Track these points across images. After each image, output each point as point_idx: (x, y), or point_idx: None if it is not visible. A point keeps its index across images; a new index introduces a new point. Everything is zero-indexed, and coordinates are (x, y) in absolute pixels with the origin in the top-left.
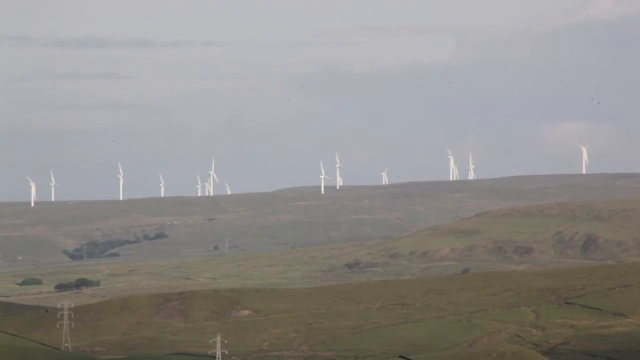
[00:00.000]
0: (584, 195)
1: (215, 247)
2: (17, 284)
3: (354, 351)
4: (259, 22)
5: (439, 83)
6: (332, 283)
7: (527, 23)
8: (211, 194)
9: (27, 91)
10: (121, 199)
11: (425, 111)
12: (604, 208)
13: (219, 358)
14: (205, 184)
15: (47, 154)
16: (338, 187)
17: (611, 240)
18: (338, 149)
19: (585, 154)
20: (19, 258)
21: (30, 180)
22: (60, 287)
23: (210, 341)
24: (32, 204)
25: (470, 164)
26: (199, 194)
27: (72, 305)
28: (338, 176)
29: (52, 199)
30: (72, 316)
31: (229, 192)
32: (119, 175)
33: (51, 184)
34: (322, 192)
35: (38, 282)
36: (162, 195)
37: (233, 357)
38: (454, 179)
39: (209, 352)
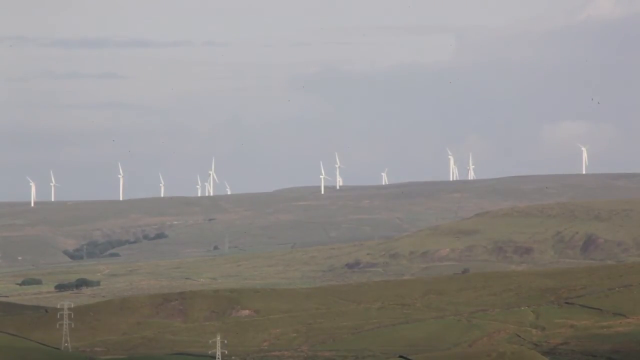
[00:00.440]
0: (584, 195)
1: (215, 247)
2: (17, 284)
3: (354, 351)
4: (259, 22)
5: (439, 83)
6: (332, 283)
7: (527, 23)
8: (211, 194)
9: (27, 91)
10: (121, 199)
11: (425, 111)
12: (604, 208)
13: (219, 358)
14: (205, 184)
15: (47, 154)
16: (338, 187)
17: (611, 240)
18: (338, 149)
19: (585, 154)
20: (19, 258)
21: (30, 180)
22: (60, 287)
23: (210, 341)
24: (32, 204)
25: (470, 164)
26: (199, 194)
27: (72, 305)
28: (338, 176)
29: (52, 199)
30: (72, 316)
31: (229, 192)
32: (119, 175)
33: (51, 184)
34: (322, 192)
35: (38, 282)
36: (162, 195)
37: (233, 357)
38: (454, 179)
39: (209, 352)
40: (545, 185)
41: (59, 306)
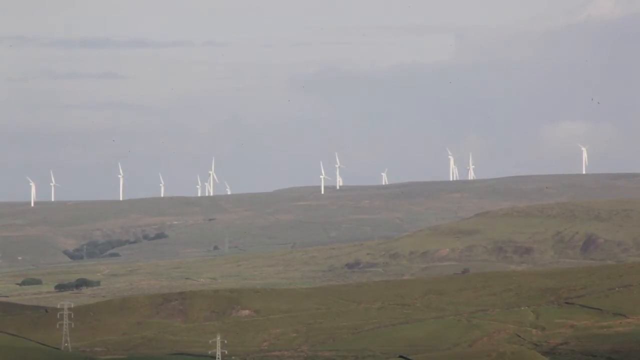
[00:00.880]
0: (584, 195)
1: (215, 247)
2: (17, 284)
3: (354, 351)
4: (259, 22)
5: (439, 83)
6: (332, 283)
7: (527, 23)
8: (211, 194)
9: (27, 91)
10: (121, 199)
11: (425, 111)
12: (604, 208)
13: (219, 358)
14: (205, 184)
15: (47, 154)
16: (338, 187)
17: (611, 240)
18: (338, 149)
19: (585, 154)
20: (19, 258)
21: (30, 180)
22: (60, 287)
23: (210, 341)
24: (32, 204)
25: (470, 164)
26: (199, 194)
27: (72, 305)
28: (338, 176)
29: (52, 199)
30: (72, 316)
31: (229, 192)
32: (119, 175)
33: (51, 184)
34: (322, 192)
35: (38, 282)
36: (162, 195)
37: (233, 357)
38: (454, 179)
39: (209, 352)
40: (545, 185)
41: (59, 306)
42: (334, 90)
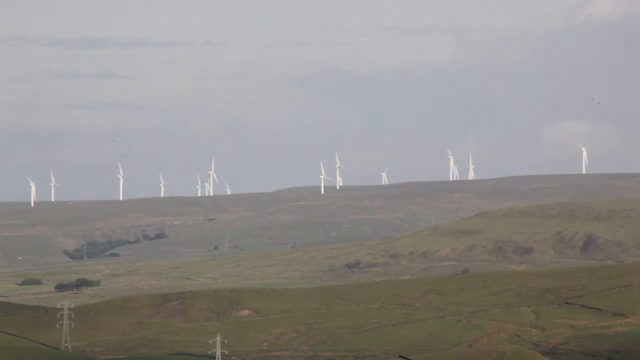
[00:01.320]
0: (584, 195)
1: (215, 247)
2: (17, 284)
3: (354, 351)
4: (259, 22)
5: (439, 83)
6: (332, 283)
7: (527, 23)
8: (211, 194)
9: (27, 91)
10: (121, 199)
11: (425, 111)
12: (604, 208)
13: (219, 358)
14: (205, 184)
15: (47, 154)
16: (338, 187)
17: (611, 240)
18: (338, 149)
19: (585, 154)
20: (19, 258)
21: (30, 180)
22: (60, 287)
23: (210, 341)
24: (32, 204)
25: (470, 164)
26: (199, 194)
27: (72, 305)
28: (338, 176)
29: (52, 199)
30: (72, 316)
31: (229, 192)
32: (119, 175)
33: (51, 184)
34: (322, 192)
35: (38, 282)
36: (162, 195)
37: (233, 357)
38: (454, 179)
39: (209, 352)
40: (545, 185)
41: (59, 306)
42: (334, 90)
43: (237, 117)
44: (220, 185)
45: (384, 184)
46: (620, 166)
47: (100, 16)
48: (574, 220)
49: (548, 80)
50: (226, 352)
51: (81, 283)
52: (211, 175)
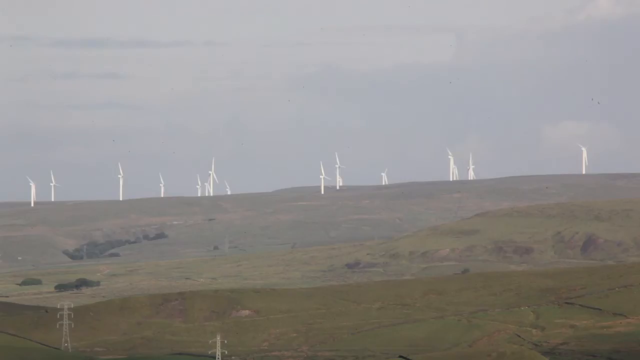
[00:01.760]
0: (584, 195)
1: (215, 247)
2: (17, 284)
3: (354, 351)
4: (259, 22)
5: (439, 83)
6: (332, 283)
7: (527, 23)
8: (211, 194)
9: (27, 91)
10: (121, 199)
11: (425, 111)
12: (604, 208)
13: (219, 358)
14: (205, 184)
15: (47, 154)
16: (338, 187)
17: (611, 241)
18: (338, 149)
19: (585, 154)
20: (19, 258)
21: (30, 180)
22: (60, 287)
23: (210, 341)
24: (32, 204)
25: (470, 164)
26: (199, 194)
27: (72, 306)
28: (338, 176)
29: (52, 199)
30: (72, 316)
31: (229, 192)
32: (119, 175)
33: (51, 184)
34: (322, 192)
35: (38, 282)
36: (162, 195)
37: (233, 357)
38: (454, 179)
39: (209, 352)
40: (545, 185)
41: (59, 306)
42: (334, 90)
43: (237, 117)
44: (220, 185)
45: (384, 184)
46: (620, 166)
47: (101, 16)
48: (574, 220)
49: (548, 80)
50: (226, 352)
51: (81, 283)
52: (211, 175)
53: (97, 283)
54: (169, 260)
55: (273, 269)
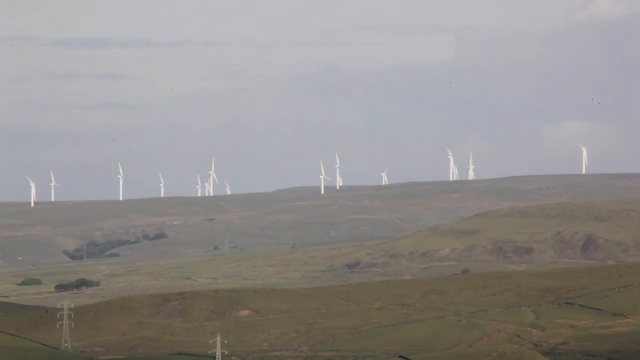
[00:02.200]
0: (584, 195)
1: (215, 247)
2: (17, 284)
3: (354, 351)
4: (259, 22)
5: (439, 83)
6: (332, 283)
7: (527, 23)
8: (211, 194)
9: (27, 91)
10: (121, 199)
11: (425, 111)
12: (604, 208)
13: (219, 358)
14: (205, 184)
15: (47, 154)
16: (338, 187)
17: (611, 241)
18: (338, 149)
19: (585, 154)
20: (19, 258)
21: (30, 180)
22: (60, 287)
23: (210, 341)
24: (32, 204)
25: (470, 164)
26: (199, 194)
27: (72, 306)
28: (338, 176)
29: (52, 199)
30: (72, 316)
31: (229, 192)
32: (119, 176)
33: (51, 184)
34: (322, 192)
35: (38, 282)
36: (162, 195)
37: (233, 357)
38: (454, 179)
39: (209, 352)
40: (545, 185)
41: (59, 306)
42: (334, 90)
43: (237, 117)
44: (220, 185)
45: (384, 184)
46: (620, 166)
47: (101, 16)
48: (574, 220)
49: (548, 80)
50: (226, 352)
51: (81, 283)
52: (211, 175)
53: (97, 283)
54: (169, 260)
55: (273, 269)
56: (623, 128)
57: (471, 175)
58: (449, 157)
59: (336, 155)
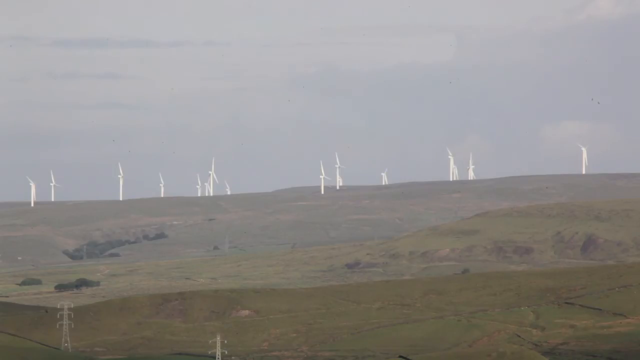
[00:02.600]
0: (584, 195)
1: (215, 247)
2: (17, 284)
3: (354, 351)
4: (259, 22)
5: (439, 83)
6: (332, 283)
7: (527, 23)
8: (211, 194)
9: (27, 91)
10: (121, 199)
11: (425, 111)
12: (604, 208)
13: (219, 358)
14: (205, 184)
15: (47, 154)
16: (338, 187)
17: (611, 240)
18: (338, 149)
19: (585, 154)
20: (19, 258)
21: (30, 180)
22: (60, 287)
23: (210, 341)
24: (32, 204)
25: (470, 164)
26: (199, 194)
27: (72, 306)
28: (338, 176)
29: (52, 199)
30: (72, 316)
31: (229, 192)
32: (119, 176)
33: (51, 184)
34: (322, 192)
35: (38, 282)
36: (162, 195)
37: (233, 357)
38: (454, 179)
39: (209, 352)
40: (545, 185)
41: (59, 306)
42: (334, 90)
43: (237, 117)
44: (220, 185)
45: (384, 184)
46: (620, 166)
47: (101, 16)
48: (574, 220)
49: (548, 80)
50: (226, 352)
51: (81, 283)
52: (211, 175)
53: (97, 283)
54: (169, 260)
55: (273, 269)
56: (623, 128)
57: (471, 175)
58: (449, 157)
59: (336, 155)
